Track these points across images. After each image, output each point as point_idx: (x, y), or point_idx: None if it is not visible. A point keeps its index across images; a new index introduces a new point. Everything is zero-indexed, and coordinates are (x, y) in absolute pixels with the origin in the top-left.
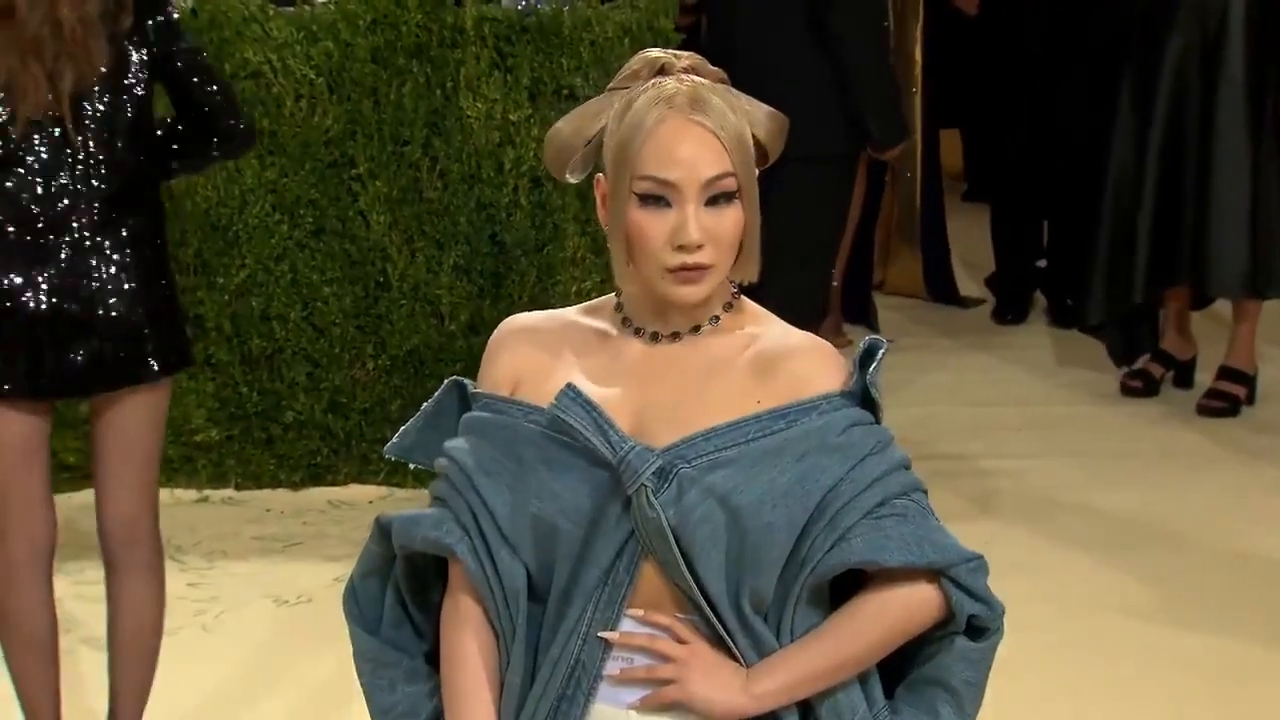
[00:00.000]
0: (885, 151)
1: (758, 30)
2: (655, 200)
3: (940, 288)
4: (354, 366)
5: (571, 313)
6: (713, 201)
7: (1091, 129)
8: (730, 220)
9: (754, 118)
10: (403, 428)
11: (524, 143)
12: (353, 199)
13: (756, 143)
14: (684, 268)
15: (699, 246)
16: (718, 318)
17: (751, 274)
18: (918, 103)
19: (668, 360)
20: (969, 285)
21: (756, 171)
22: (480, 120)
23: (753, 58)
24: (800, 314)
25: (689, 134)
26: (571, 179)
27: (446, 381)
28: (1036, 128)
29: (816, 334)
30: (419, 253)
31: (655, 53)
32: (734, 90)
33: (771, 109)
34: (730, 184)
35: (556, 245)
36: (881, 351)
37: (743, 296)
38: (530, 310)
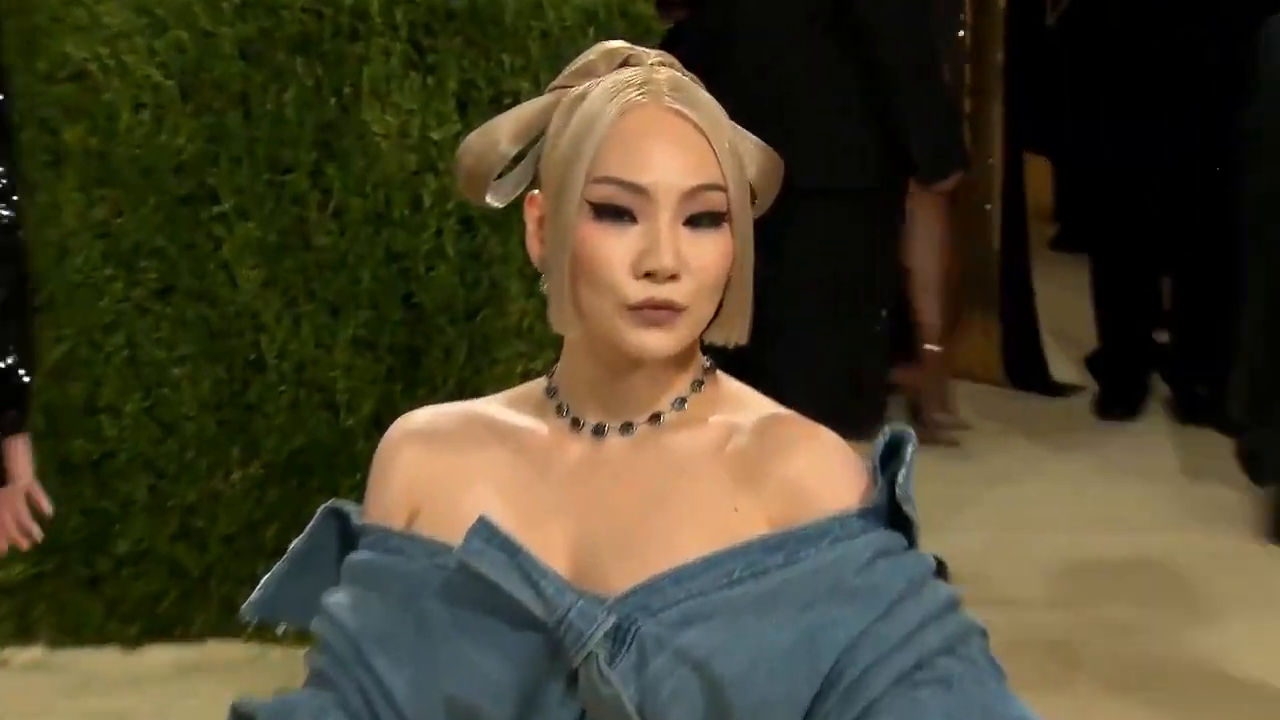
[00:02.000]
0: (934, 184)
1: (763, 22)
2: (616, 213)
3: (1022, 368)
4: (214, 477)
5: (487, 405)
6: (695, 222)
7: (1228, 153)
8: (716, 250)
9: (738, 143)
10: (266, 575)
11: (450, 170)
12: (214, 246)
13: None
14: (651, 303)
15: (673, 276)
16: (684, 401)
17: (738, 333)
18: (997, 116)
19: (618, 465)
20: (1062, 365)
21: (751, 204)
22: (390, 139)
23: (755, 59)
24: (826, 408)
25: (668, 126)
26: (494, 201)
27: (322, 510)
28: (1153, 152)
29: (855, 436)
30: (305, 320)
31: (616, 44)
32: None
33: (761, 142)
34: (719, 201)
35: (495, 310)
36: (910, 448)
37: (719, 373)
38: (457, 400)
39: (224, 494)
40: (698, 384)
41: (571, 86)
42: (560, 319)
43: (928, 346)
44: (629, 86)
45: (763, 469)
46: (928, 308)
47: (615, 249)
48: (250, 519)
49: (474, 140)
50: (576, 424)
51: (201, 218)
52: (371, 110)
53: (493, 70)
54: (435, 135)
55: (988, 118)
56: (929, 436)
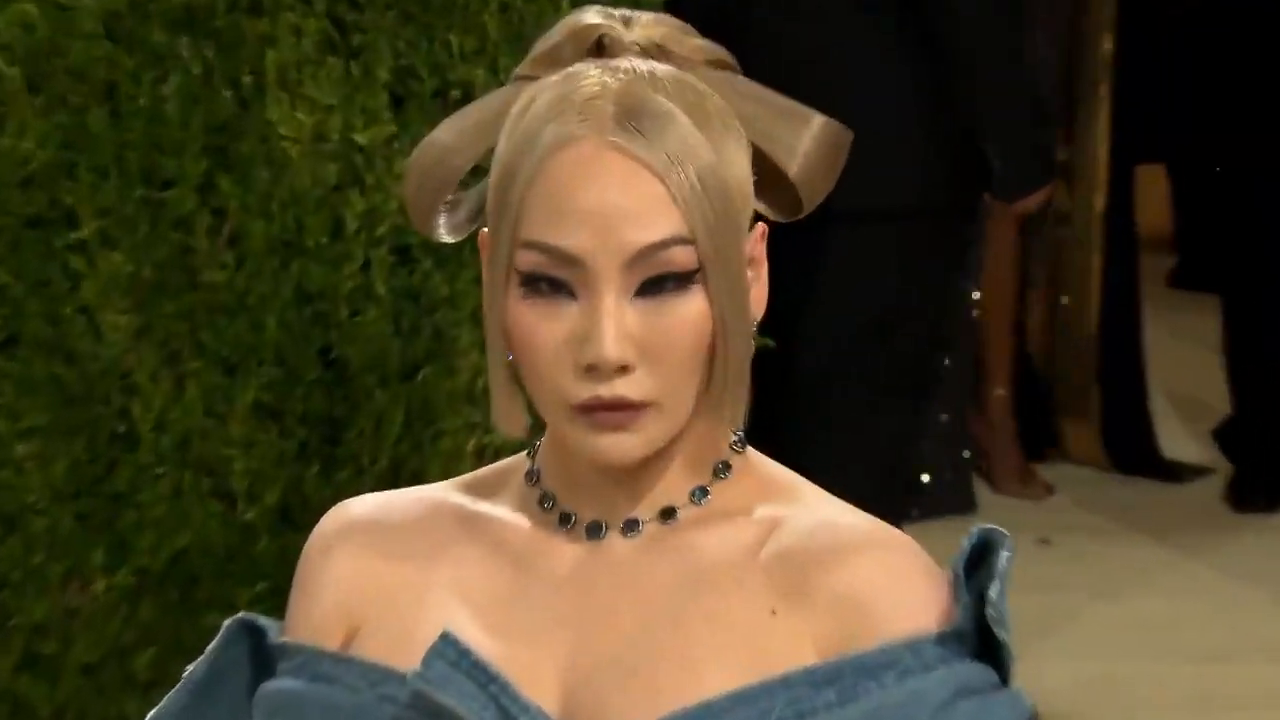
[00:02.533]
0: (1015, 201)
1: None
2: (547, 285)
3: (1128, 445)
4: (70, 589)
5: (450, 491)
6: (652, 288)
7: None
8: (684, 320)
9: (770, 129)
10: (153, 711)
11: (382, 184)
12: (71, 284)
13: (776, 173)
14: (599, 404)
15: (622, 369)
16: (705, 491)
17: (730, 416)
18: (1102, 119)
19: (622, 571)
20: (1182, 442)
21: (748, 229)
22: (303, 144)
23: (776, 42)
24: (875, 487)
25: (605, 169)
26: (446, 235)
27: (229, 625)
28: None
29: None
30: (190, 381)
31: (591, 15)
32: (740, 81)
33: (814, 113)
34: (684, 257)
35: (440, 367)
36: (1004, 555)
37: (750, 451)
38: (387, 490)
39: (83, 610)
40: (723, 468)
41: (537, 78)
42: (500, 414)
43: (998, 392)
44: (568, 108)
45: (811, 578)
46: (998, 348)
47: (549, 334)
48: (117, 643)
49: (423, 151)
50: (567, 520)
51: (55, 246)
52: (278, 106)
53: (437, 54)
54: (361, 139)
55: (1090, 120)
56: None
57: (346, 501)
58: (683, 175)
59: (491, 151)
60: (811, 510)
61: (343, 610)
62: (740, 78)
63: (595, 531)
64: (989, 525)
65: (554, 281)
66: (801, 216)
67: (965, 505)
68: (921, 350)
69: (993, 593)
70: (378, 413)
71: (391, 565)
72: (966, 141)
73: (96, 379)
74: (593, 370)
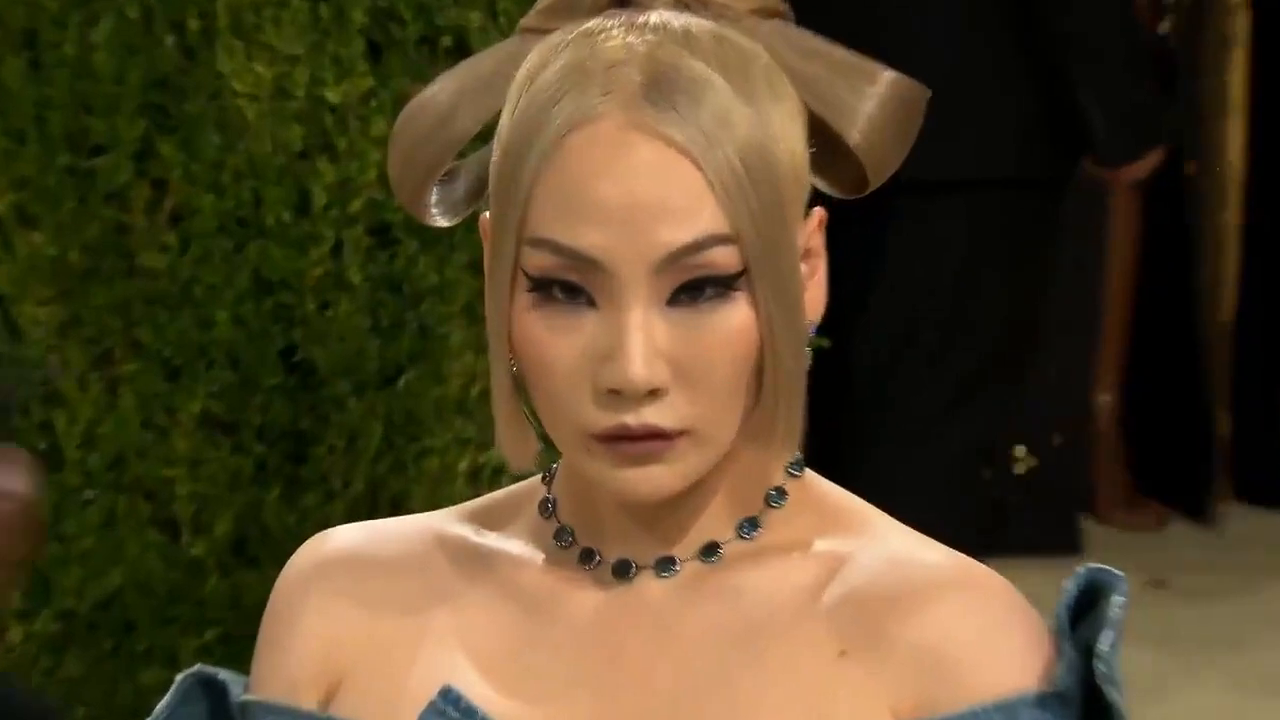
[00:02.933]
0: (1120, 167)
1: None
2: (562, 291)
3: (1260, 472)
4: None
5: (449, 520)
6: (687, 295)
7: None
8: (727, 333)
9: (829, 90)
10: None
11: (357, 149)
12: None
13: (838, 143)
14: (625, 434)
15: (652, 393)
16: (755, 523)
17: (780, 444)
18: (1237, 79)
19: (658, 617)
20: None
21: (802, 216)
22: (261, 101)
23: None
24: (949, 511)
25: (632, 154)
26: (440, 218)
27: (182, 679)
28: None
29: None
30: (125, 388)
31: None
32: (793, 32)
33: (882, 68)
34: (724, 259)
35: (426, 371)
36: (1117, 602)
37: (809, 474)
38: (364, 519)
39: None
40: (776, 495)
41: (547, 30)
42: (506, 441)
43: (1104, 398)
44: (586, 78)
45: (885, 627)
46: (1107, 346)
47: (564, 350)
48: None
49: (414, 113)
50: (589, 557)
51: None
52: (231, 56)
53: None
54: (332, 96)
55: (1220, 81)
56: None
57: (326, 532)
58: (723, 158)
59: (497, 116)
60: (883, 544)
61: (322, 662)
62: (793, 28)
63: (623, 571)
64: (1098, 565)
65: (569, 286)
66: (867, 193)
67: (1064, 538)
68: (1003, 346)
69: (1103, 645)
70: (351, 426)
71: (380, 610)
72: (1061, 103)
73: (13, 381)
74: (616, 395)
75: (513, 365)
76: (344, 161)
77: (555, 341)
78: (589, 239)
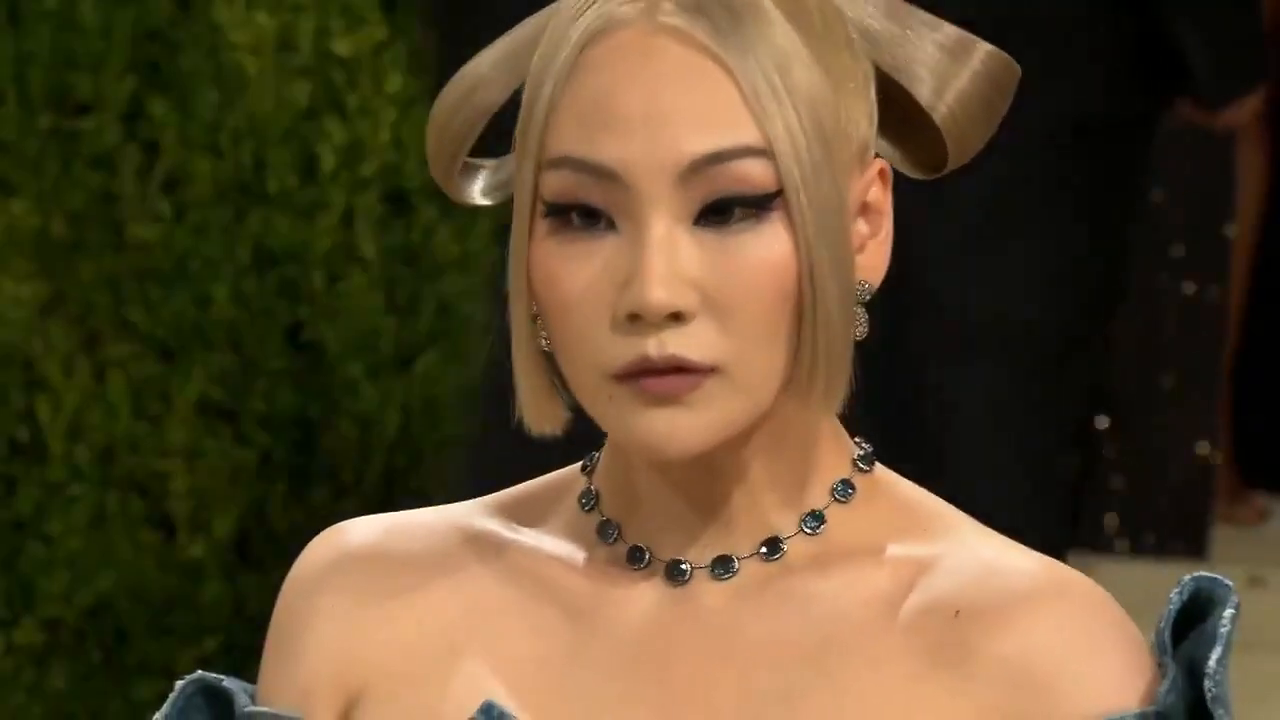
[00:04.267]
0: (1221, 109)
1: None
2: (580, 217)
3: None
4: None
5: (478, 514)
6: (716, 216)
7: None
8: (759, 259)
9: (910, 53)
10: None
11: (369, 107)
12: None
13: (910, 113)
14: (646, 367)
15: (675, 317)
16: (819, 518)
17: (820, 398)
18: None
19: (715, 627)
20: None
21: (859, 163)
22: (262, 55)
23: None
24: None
25: (658, 59)
26: (483, 197)
27: (184, 685)
28: None
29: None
30: (114, 372)
31: None
32: None
33: (976, 40)
34: (758, 174)
35: (447, 352)
36: (1227, 615)
37: (881, 469)
38: (385, 512)
39: None
40: (844, 487)
41: None
42: (529, 404)
43: None
44: None
45: (971, 640)
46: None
47: (581, 278)
48: (24, 716)
49: (451, 83)
50: (638, 556)
51: None
52: (229, 4)
53: None
54: (341, 49)
55: None
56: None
57: (341, 525)
58: (757, 67)
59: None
60: (967, 548)
61: (339, 671)
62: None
63: (677, 574)
64: (1206, 574)
65: (588, 211)
66: (944, 174)
67: (1182, 536)
68: (1093, 293)
69: (1212, 662)
70: (365, 413)
71: (404, 613)
72: (1150, 32)
73: None
74: (637, 323)
75: (534, 313)
76: (355, 121)
77: (572, 270)
78: (607, 150)
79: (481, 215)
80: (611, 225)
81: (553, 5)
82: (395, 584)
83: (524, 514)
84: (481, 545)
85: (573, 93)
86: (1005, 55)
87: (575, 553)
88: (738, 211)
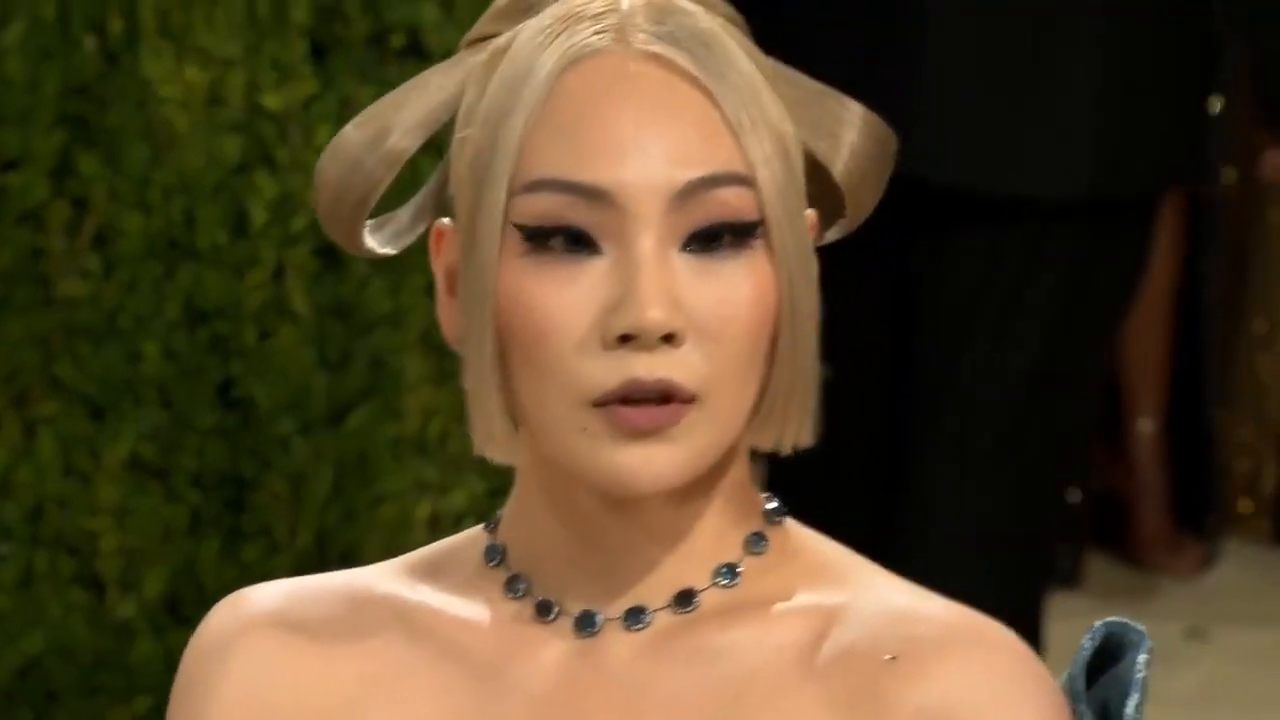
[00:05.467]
0: None
1: None
2: (563, 241)
3: None
4: None
5: (383, 576)
6: (702, 243)
7: None
8: (745, 286)
9: (810, 114)
10: None
11: (300, 161)
12: None
13: (821, 174)
14: (634, 391)
15: (668, 338)
16: (734, 570)
17: (794, 429)
18: None
19: (625, 686)
20: None
21: (807, 210)
22: (193, 108)
23: None
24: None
25: (644, 84)
26: (378, 247)
27: None
28: None
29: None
30: (43, 429)
31: None
32: (765, 59)
33: (853, 104)
34: (742, 203)
35: (379, 408)
36: (1140, 661)
37: (790, 522)
38: (315, 570)
39: None
40: (756, 540)
41: (494, 35)
42: (487, 436)
43: (1144, 424)
44: (578, 21)
45: (886, 689)
46: (1149, 363)
47: (566, 303)
48: None
49: (347, 136)
50: (546, 610)
51: None
52: (158, 59)
53: None
54: (271, 102)
55: None
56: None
57: (242, 592)
58: (736, 98)
59: (441, 130)
60: (878, 597)
61: None
62: (767, 58)
63: (587, 624)
64: (1117, 619)
65: (573, 235)
66: (841, 236)
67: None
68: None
69: (1130, 709)
70: (297, 469)
71: (308, 680)
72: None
73: None
74: (627, 346)
75: (497, 345)
76: (285, 175)
77: (554, 295)
78: (599, 171)
79: (412, 271)
80: (596, 250)
81: (459, 60)
82: (298, 650)
83: (428, 575)
84: (385, 609)
85: (550, 118)
86: (878, 118)
87: (481, 610)
88: (725, 239)
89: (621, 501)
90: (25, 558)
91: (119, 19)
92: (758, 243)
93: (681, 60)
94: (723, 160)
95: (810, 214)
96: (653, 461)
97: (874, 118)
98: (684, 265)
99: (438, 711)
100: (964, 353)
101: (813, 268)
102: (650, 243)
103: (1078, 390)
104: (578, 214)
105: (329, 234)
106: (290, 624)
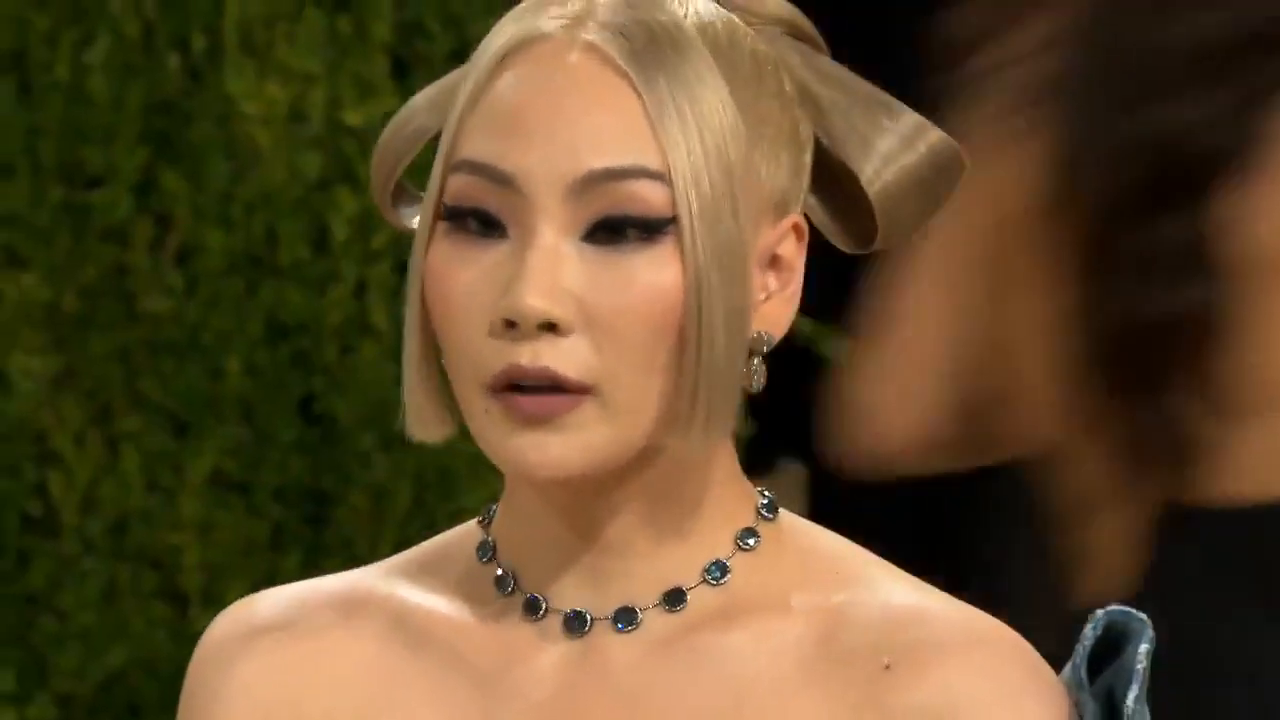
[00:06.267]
0: None
1: None
2: (476, 223)
3: None
4: None
5: (378, 579)
6: (606, 234)
7: None
8: (644, 282)
9: (844, 122)
10: None
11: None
12: None
13: (850, 184)
14: (518, 379)
15: (550, 328)
16: (724, 568)
17: (696, 435)
18: None
19: (624, 691)
20: None
21: (770, 214)
22: (275, 125)
23: None
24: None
25: (570, 74)
26: (407, 221)
27: None
28: None
29: None
30: (126, 446)
31: None
32: (818, 57)
33: (911, 113)
34: (651, 198)
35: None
36: (1144, 647)
37: (785, 515)
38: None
39: None
40: (747, 535)
41: None
42: (415, 416)
43: None
44: (549, 6)
45: (886, 688)
46: None
47: (466, 281)
48: None
49: (391, 122)
50: (535, 608)
51: None
52: (241, 76)
53: (451, 3)
54: (353, 118)
55: None
56: None
57: (249, 598)
58: (668, 92)
59: None
60: (878, 593)
61: None
62: (821, 56)
63: (576, 626)
64: (1119, 607)
65: (485, 218)
66: (872, 250)
67: None
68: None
69: (1130, 701)
70: (378, 484)
71: (314, 686)
72: None
73: (2, 440)
74: (512, 329)
75: (425, 320)
76: (366, 191)
77: (458, 273)
78: (504, 155)
79: None
80: (503, 233)
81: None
82: (304, 657)
83: (425, 574)
84: (385, 616)
85: (486, 100)
86: (956, 146)
87: (475, 609)
88: (630, 233)
89: (593, 495)
90: (108, 572)
91: (202, 36)
92: (668, 240)
93: (615, 52)
94: (633, 154)
95: (794, 220)
96: (546, 449)
97: (936, 135)
98: (583, 255)
99: (440, 715)
100: None
101: (736, 272)
102: (547, 231)
103: None
104: (489, 198)
105: (375, 198)
106: (295, 630)
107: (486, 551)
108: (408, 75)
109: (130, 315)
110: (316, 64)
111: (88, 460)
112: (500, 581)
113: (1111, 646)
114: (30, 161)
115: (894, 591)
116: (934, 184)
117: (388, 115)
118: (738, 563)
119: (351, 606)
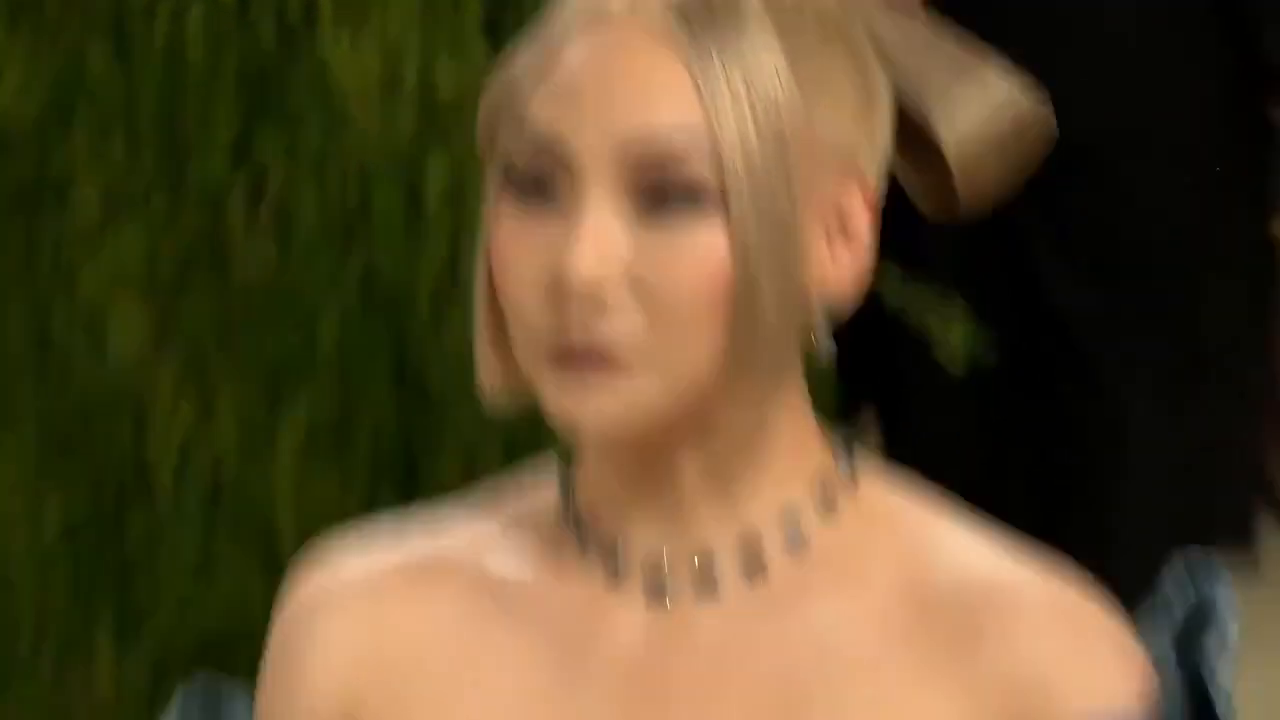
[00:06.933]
0: None
1: None
2: (535, 190)
3: None
4: (69, 678)
5: (449, 534)
6: (654, 202)
7: None
8: (694, 253)
9: (925, 81)
10: None
11: (474, 141)
12: (62, 276)
13: (929, 146)
14: (568, 350)
15: (601, 298)
16: (801, 528)
17: (755, 393)
18: None
19: (710, 658)
20: None
21: (835, 182)
22: (368, 90)
23: None
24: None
25: (627, 52)
26: None
27: (181, 698)
28: None
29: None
30: (222, 406)
31: None
32: (901, 17)
33: (1001, 73)
34: (695, 166)
35: None
36: (1228, 617)
37: (866, 469)
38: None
39: (82, 708)
40: (825, 497)
41: None
42: (486, 376)
43: None
44: None
45: (969, 651)
46: None
47: (524, 253)
48: None
49: (495, 77)
50: (613, 565)
51: (43, 225)
52: (335, 40)
53: None
54: (446, 82)
55: None
56: None
57: (330, 550)
58: (721, 70)
59: None
60: (959, 555)
61: (341, 698)
62: (905, 16)
63: (656, 590)
64: (1207, 566)
65: (541, 188)
66: (953, 218)
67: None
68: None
69: (1210, 652)
70: (470, 442)
71: (396, 651)
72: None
73: (96, 406)
74: (564, 299)
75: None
76: (459, 155)
77: (516, 242)
78: (558, 124)
79: None
80: (554, 199)
81: None
82: (386, 616)
83: (505, 534)
84: (467, 573)
85: (547, 71)
86: (1041, 106)
87: (555, 573)
88: (680, 204)
89: (655, 453)
90: (202, 532)
91: (297, 1)
92: (712, 212)
93: (670, 26)
94: (675, 120)
95: (864, 180)
96: (586, 408)
97: (1019, 96)
98: (634, 226)
99: (523, 689)
100: None
101: (786, 241)
102: (597, 201)
103: None
104: (544, 167)
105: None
106: (379, 590)
107: (564, 511)
108: (499, 38)
109: (225, 276)
110: (410, 28)
111: (180, 427)
112: (581, 538)
113: (1200, 617)
114: (127, 123)
115: (974, 553)
116: (1016, 146)
117: (480, 74)
118: (818, 525)
119: (433, 566)
